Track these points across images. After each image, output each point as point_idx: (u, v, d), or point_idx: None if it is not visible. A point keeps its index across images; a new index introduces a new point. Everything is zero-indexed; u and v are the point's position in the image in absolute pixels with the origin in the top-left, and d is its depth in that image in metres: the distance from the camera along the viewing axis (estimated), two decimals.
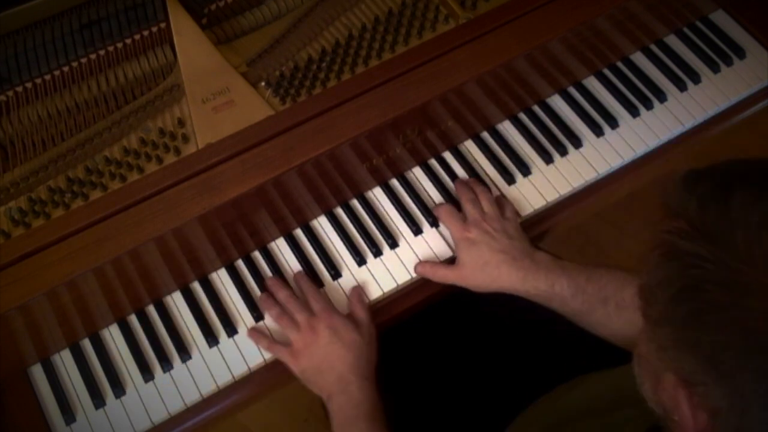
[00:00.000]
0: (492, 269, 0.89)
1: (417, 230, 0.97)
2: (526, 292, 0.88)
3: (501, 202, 0.97)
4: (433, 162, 1.03)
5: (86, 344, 0.91)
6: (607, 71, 1.10)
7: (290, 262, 0.96)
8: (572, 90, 1.08)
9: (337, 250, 0.97)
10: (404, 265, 0.95)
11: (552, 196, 1.00)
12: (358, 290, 0.93)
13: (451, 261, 0.95)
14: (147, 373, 0.89)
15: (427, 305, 0.97)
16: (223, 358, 0.90)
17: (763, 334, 0.44)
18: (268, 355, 0.90)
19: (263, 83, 0.97)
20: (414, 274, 0.95)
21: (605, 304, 0.83)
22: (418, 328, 1.03)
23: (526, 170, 1.02)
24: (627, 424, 0.67)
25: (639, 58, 1.11)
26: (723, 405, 0.47)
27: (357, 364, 0.85)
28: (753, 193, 0.47)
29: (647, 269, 0.52)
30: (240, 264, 0.96)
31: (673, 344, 0.49)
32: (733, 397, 0.46)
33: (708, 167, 0.51)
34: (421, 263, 0.95)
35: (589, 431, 0.72)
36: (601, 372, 0.79)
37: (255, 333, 0.91)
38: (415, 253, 0.96)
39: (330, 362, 0.85)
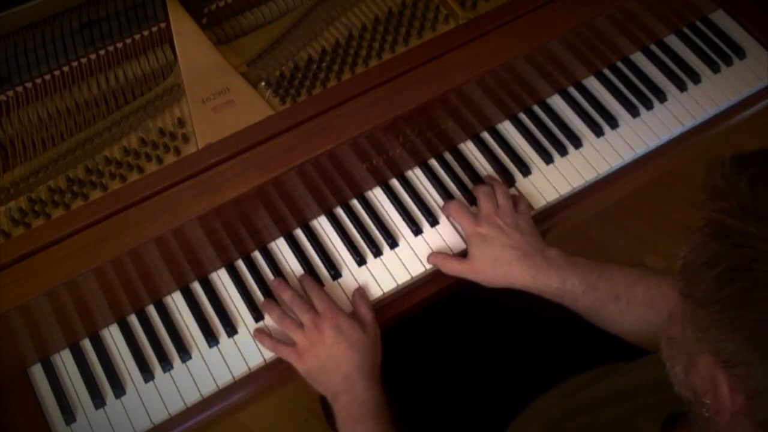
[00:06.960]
0: (503, 266, 0.88)
1: (417, 230, 0.97)
2: (536, 288, 0.88)
3: (515, 196, 0.97)
4: (433, 162, 1.03)
5: (86, 344, 0.91)
6: (607, 71, 1.10)
7: (290, 262, 0.96)
8: (572, 90, 1.08)
9: (337, 250, 0.97)
10: (404, 265, 0.95)
11: (552, 196, 1.00)
12: (361, 291, 0.93)
13: (462, 254, 0.95)
14: (147, 373, 0.89)
15: (429, 303, 0.97)
16: (223, 358, 0.90)
17: None
18: (268, 355, 0.90)
19: (263, 83, 0.97)
20: (414, 274, 0.95)
21: (616, 300, 0.84)
22: (421, 326, 1.03)
23: (526, 170, 1.02)
24: (644, 410, 0.66)
25: (639, 58, 1.11)
26: (764, 385, 0.47)
27: (362, 363, 0.85)
28: None
29: (692, 248, 0.51)
30: (240, 264, 0.96)
31: (715, 324, 0.49)
32: None
33: (757, 150, 0.51)
34: (433, 253, 0.95)
35: (606, 418, 0.71)
36: (621, 364, 0.79)
37: (260, 334, 0.91)
38: (415, 253, 0.96)
39: (336, 361, 0.85)
